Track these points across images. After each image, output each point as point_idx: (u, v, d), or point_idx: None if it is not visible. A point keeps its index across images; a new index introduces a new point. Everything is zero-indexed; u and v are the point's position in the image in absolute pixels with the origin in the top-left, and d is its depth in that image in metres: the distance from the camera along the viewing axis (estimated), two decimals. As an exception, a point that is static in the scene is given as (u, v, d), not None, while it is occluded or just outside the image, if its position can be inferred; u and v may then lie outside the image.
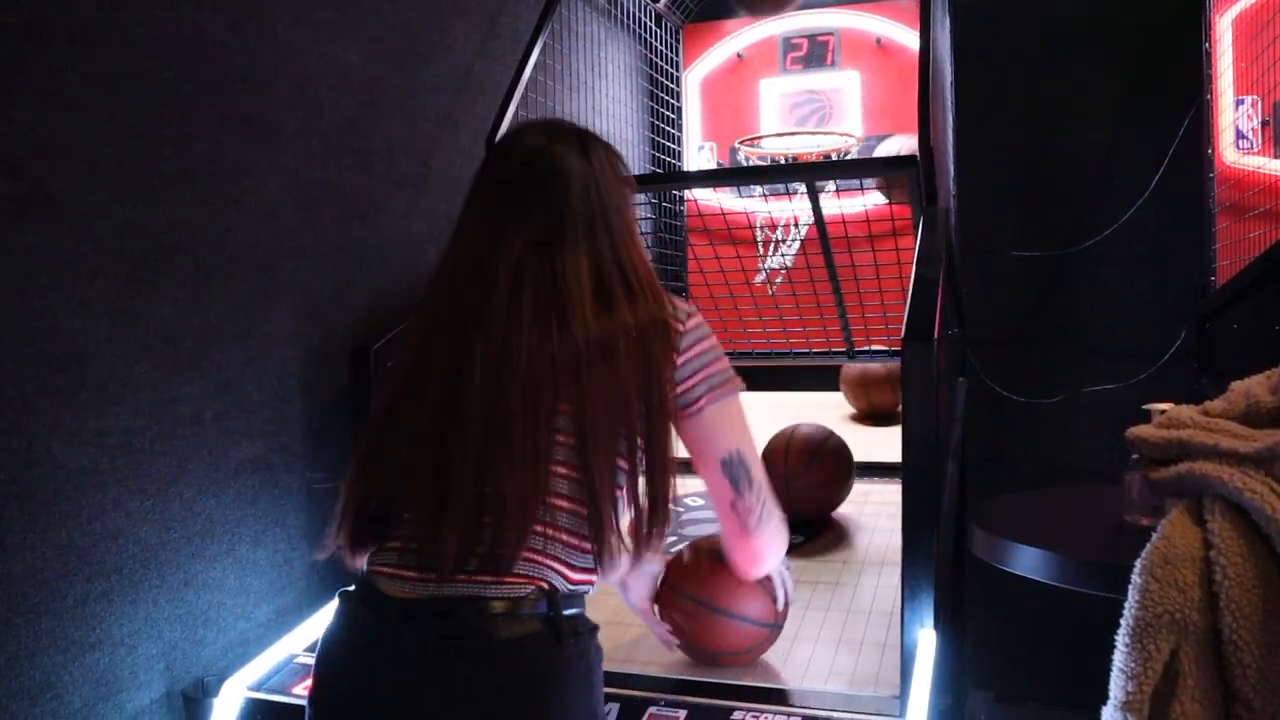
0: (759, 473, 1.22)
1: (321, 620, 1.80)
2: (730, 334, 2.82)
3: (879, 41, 3.44)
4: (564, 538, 1.09)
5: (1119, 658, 1.16)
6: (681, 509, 2.40)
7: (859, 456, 2.63)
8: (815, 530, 2.26)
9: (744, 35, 3.61)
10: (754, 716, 1.44)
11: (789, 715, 1.44)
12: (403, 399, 1.14)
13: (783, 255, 3.15)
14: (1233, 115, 2.74)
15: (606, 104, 3.14)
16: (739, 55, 3.61)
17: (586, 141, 1.20)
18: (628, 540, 1.14)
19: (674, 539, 2.23)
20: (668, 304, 1.15)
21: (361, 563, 1.15)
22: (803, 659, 1.67)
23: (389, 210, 2.20)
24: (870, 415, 3.05)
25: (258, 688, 1.63)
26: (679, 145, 3.64)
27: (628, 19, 3.29)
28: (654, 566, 1.54)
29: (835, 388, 3.30)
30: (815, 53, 3.51)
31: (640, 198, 3.03)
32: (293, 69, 1.91)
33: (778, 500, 1.26)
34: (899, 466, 1.57)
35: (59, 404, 1.45)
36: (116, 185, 1.54)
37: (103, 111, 1.52)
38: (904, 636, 1.53)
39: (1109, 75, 3.26)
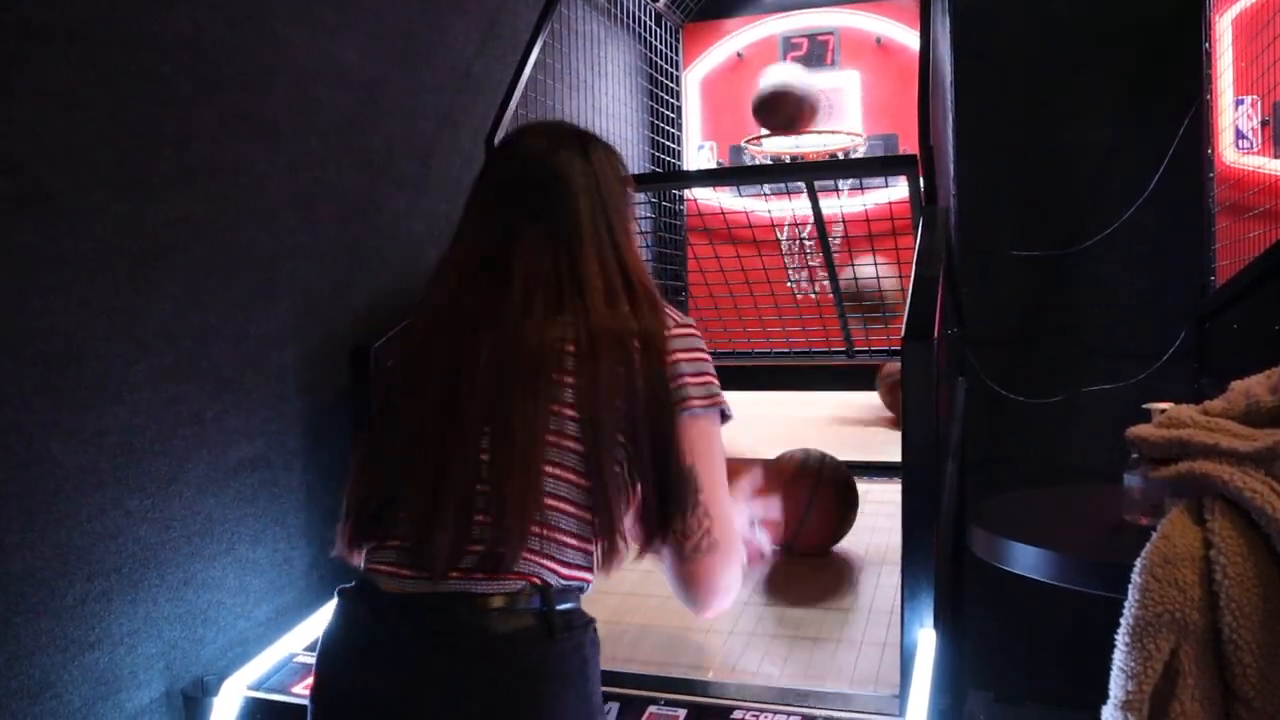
0: (710, 498, 1.12)
1: (321, 619, 1.81)
2: (730, 333, 2.82)
3: (879, 41, 3.44)
4: (559, 537, 1.09)
5: (1119, 657, 1.16)
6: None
7: (858, 456, 2.63)
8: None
9: (744, 35, 3.61)
10: (754, 716, 1.44)
11: (789, 714, 1.44)
12: (404, 398, 1.15)
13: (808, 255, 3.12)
14: (1232, 115, 2.74)
15: (606, 103, 3.14)
16: (739, 54, 3.61)
17: (587, 143, 1.21)
18: (628, 537, 1.14)
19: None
20: (662, 312, 1.15)
21: (360, 560, 1.15)
22: (802, 658, 1.67)
23: (388, 210, 2.20)
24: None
25: (257, 687, 1.63)
26: (679, 145, 3.64)
27: (627, 18, 3.29)
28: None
29: (834, 387, 3.30)
30: (815, 52, 3.51)
31: (640, 197, 3.03)
32: (292, 68, 1.91)
33: (738, 549, 1.18)
34: (899, 466, 1.57)
35: (58, 403, 1.45)
36: (115, 184, 1.54)
37: (101, 110, 1.52)
38: (904, 636, 1.53)
39: (1109, 75, 3.26)
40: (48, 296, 1.43)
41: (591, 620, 1.13)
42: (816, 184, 2.32)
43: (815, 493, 2.04)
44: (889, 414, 2.98)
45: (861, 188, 2.97)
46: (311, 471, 1.95)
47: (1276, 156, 2.58)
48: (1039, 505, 1.72)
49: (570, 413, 1.08)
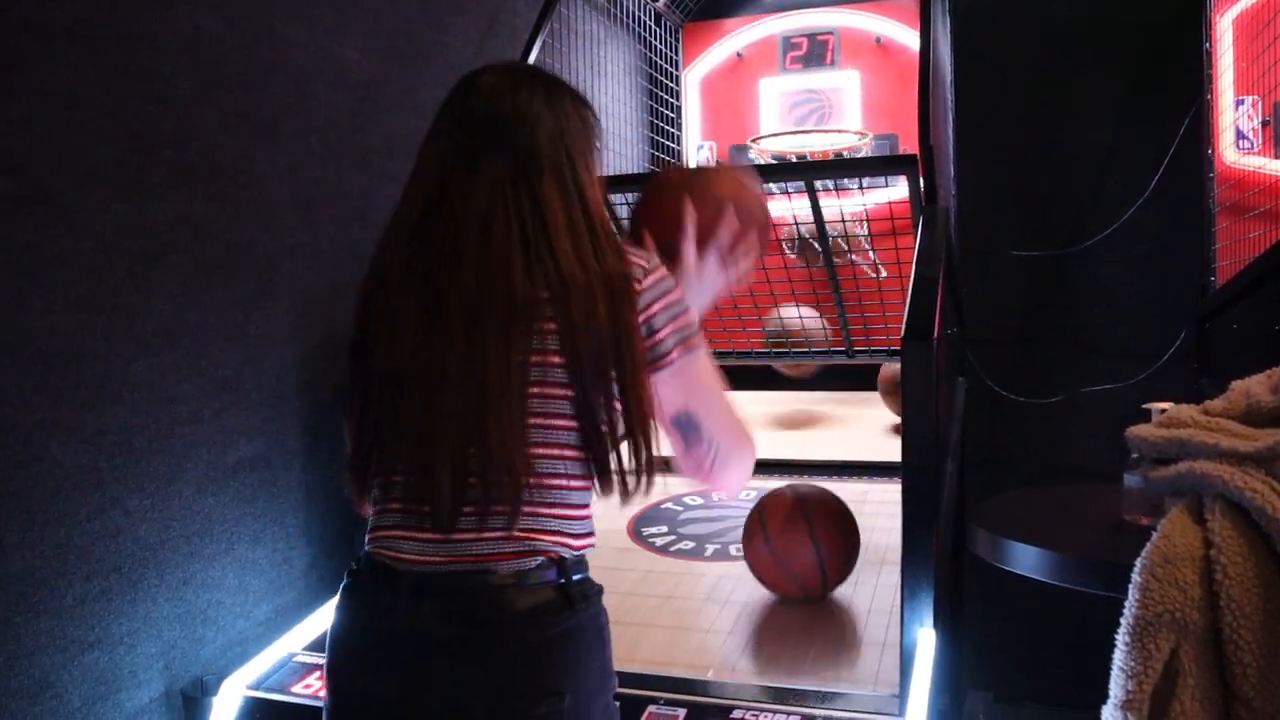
0: (712, 426, 1.18)
1: (321, 619, 1.81)
2: (729, 333, 2.82)
3: (879, 41, 3.44)
4: (560, 511, 1.09)
5: (1119, 656, 1.16)
6: (681, 508, 2.40)
7: (858, 455, 2.63)
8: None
9: (744, 34, 3.60)
10: (753, 715, 1.44)
11: (788, 714, 1.44)
12: (382, 355, 1.11)
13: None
14: (1233, 115, 2.74)
15: (606, 103, 3.14)
16: (739, 54, 3.61)
17: (551, 83, 1.18)
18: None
19: (672, 537, 2.23)
20: (627, 258, 1.13)
21: (369, 510, 1.15)
22: (802, 658, 1.67)
23: (388, 209, 2.16)
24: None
25: (257, 686, 1.63)
26: (678, 144, 3.64)
27: (627, 18, 3.29)
28: None
29: (833, 387, 3.30)
30: (815, 52, 3.51)
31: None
32: (291, 67, 1.91)
33: (745, 443, 1.23)
34: (898, 466, 1.57)
35: (57, 402, 1.45)
36: (115, 183, 1.54)
37: (101, 109, 1.51)
38: (903, 636, 1.53)
39: (1109, 75, 3.26)
40: (47, 296, 1.43)
41: (602, 589, 1.14)
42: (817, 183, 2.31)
43: (817, 537, 1.88)
44: (891, 415, 2.98)
45: (861, 187, 2.97)
46: (311, 471, 1.95)
47: (1277, 157, 2.58)
48: (1039, 505, 1.72)
49: (555, 359, 1.06)
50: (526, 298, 1.06)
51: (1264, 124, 2.64)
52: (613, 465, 1.10)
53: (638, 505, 2.39)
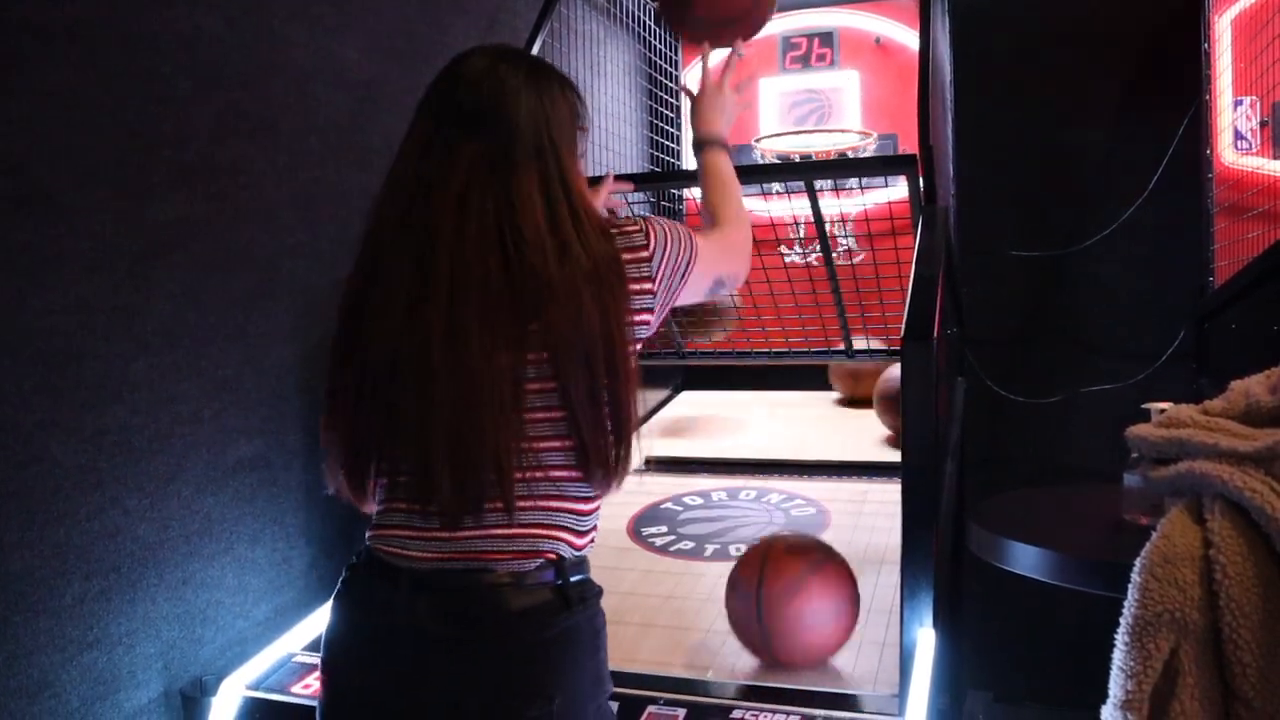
0: (730, 268, 1.35)
1: (320, 619, 1.81)
2: (729, 332, 2.82)
3: (878, 41, 3.44)
4: (563, 505, 1.09)
5: (1119, 656, 1.16)
6: (680, 508, 2.40)
7: (858, 455, 2.63)
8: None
9: (743, 34, 3.60)
10: (753, 715, 1.44)
11: (788, 714, 1.44)
12: (378, 336, 1.09)
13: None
14: (1231, 116, 2.74)
15: (605, 102, 3.14)
16: (738, 54, 3.60)
17: (536, 66, 1.18)
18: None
19: (672, 537, 2.23)
20: (618, 232, 1.13)
21: (370, 506, 1.15)
22: (802, 658, 1.67)
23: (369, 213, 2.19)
24: (855, 401, 3.16)
25: (256, 686, 1.63)
26: (678, 144, 3.64)
27: (627, 17, 3.29)
28: None
29: (832, 386, 3.31)
30: (814, 52, 3.51)
31: (639, 196, 3.03)
32: (291, 67, 1.91)
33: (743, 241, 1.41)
34: (898, 466, 1.57)
35: (57, 402, 1.45)
36: (114, 182, 1.54)
37: (101, 109, 1.51)
38: (903, 635, 1.53)
39: (1108, 75, 3.26)
40: (47, 295, 1.43)
41: (601, 591, 1.14)
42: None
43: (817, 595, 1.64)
44: (889, 415, 2.97)
45: (861, 187, 2.97)
46: (310, 471, 1.95)
47: (1275, 157, 2.58)
48: (1039, 505, 1.72)
49: (537, 356, 1.06)
50: (506, 287, 1.05)
51: (1262, 124, 2.64)
52: (606, 458, 1.09)
53: (638, 505, 2.39)
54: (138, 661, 1.59)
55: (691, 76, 3.64)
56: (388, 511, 1.12)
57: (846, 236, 2.80)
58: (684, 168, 3.61)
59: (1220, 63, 2.77)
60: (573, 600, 1.08)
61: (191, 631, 1.69)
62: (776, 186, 3.01)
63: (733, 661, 1.67)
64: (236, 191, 1.77)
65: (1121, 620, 1.17)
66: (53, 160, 1.44)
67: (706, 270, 1.26)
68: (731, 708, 1.47)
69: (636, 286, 1.14)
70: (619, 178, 1.71)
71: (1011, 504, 1.70)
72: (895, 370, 2.73)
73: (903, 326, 1.61)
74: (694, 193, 3.29)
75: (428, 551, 1.08)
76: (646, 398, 3.30)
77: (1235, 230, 2.63)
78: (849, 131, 3.25)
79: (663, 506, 2.41)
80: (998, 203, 3.30)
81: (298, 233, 1.92)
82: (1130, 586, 1.18)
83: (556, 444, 1.08)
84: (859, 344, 2.66)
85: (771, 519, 2.35)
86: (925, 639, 1.50)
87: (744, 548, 2.12)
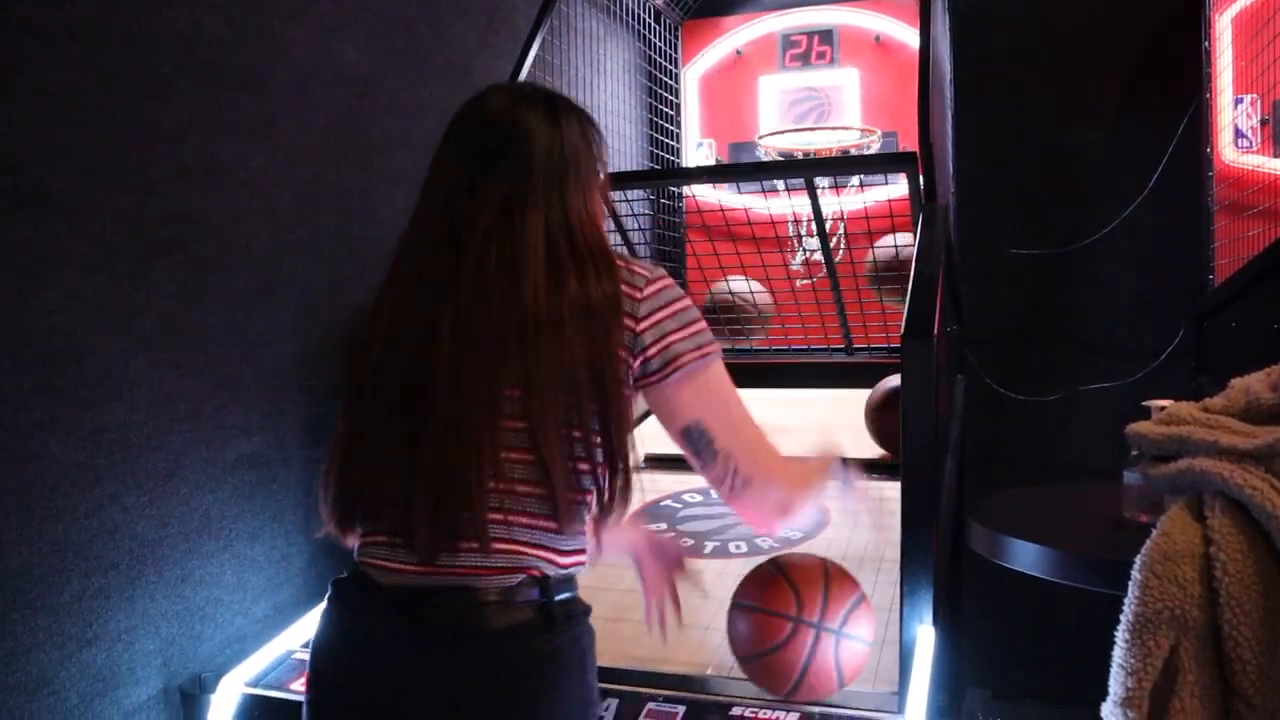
0: (728, 442, 1.13)
1: (318, 617, 1.81)
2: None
3: (878, 39, 3.44)
4: (546, 524, 1.08)
5: (1119, 654, 1.15)
6: (680, 505, 2.40)
7: (857, 453, 2.62)
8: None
9: (743, 32, 3.60)
10: (753, 713, 1.44)
11: (787, 711, 1.44)
12: (374, 380, 1.12)
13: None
14: (1232, 114, 2.74)
15: (605, 100, 3.14)
16: (738, 52, 3.61)
17: (554, 103, 1.18)
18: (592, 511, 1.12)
19: (671, 535, 2.23)
20: (621, 273, 1.12)
21: (354, 541, 1.15)
22: (801, 656, 1.67)
23: (387, 206, 2.19)
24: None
25: (255, 684, 1.63)
26: (678, 142, 3.64)
27: (627, 15, 3.29)
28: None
29: (834, 385, 3.30)
30: (814, 49, 3.51)
31: (639, 194, 3.03)
32: (290, 64, 1.91)
33: (777, 468, 1.17)
34: (898, 464, 1.57)
35: (56, 399, 1.45)
36: (114, 181, 1.54)
37: (101, 108, 1.51)
38: (902, 633, 1.53)
39: (1108, 73, 3.26)
40: (46, 292, 1.43)
41: (588, 609, 1.13)
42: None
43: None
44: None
45: (861, 185, 2.97)
46: (310, 468, 1.94)
47: (1275, 155, 2.58)
48: (1039, 502, 1.72)
49: (514, 392, 1.06)
50: (504, 327, 1.06)
51: (1263, 122, 2.64)
52: (566, 498, 1.06)
53: (637, 503, 2.39)
54: (137, 658, 1.59)
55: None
56: (371, 544, 1.12)
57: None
58: (683, 165, 3.62)
59: (1220, 61, 2.77)
60: (558, 619, 1.06)
61: (190, 628, 1.69)
62: (778, 184, 3.01)
63: (732, 659, 1.67)
64: (236, 189, 1.77)
65: (1121, 617, 1.17)
66: (52, 159, 1.44)
67: (699, 395, 1.12)
68: (731, 704, 1.47)
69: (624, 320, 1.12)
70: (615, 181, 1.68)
71: (1011, 502, 1.70)
72: (885, 382, 2.57)
73: (903, 324, 1.61)
74: (693, 190, 3.30)
75: (409, 566, 1.07)
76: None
77: (1235, 228, 2.63)
78: (851, 129, 3.25)
79: (662, 504, 2.41)
80: (997, 201, 3.30)
81: (297, 230, 1.92)
82: (1130, 584, 1.17)
83: (533, 489, 1.07)
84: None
85: (771, 517, 2.34)
86: (925, 636, 1.50)
87: (744, 545, 2.12)
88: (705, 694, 1.51)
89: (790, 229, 3.07)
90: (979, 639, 2.88)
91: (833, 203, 2.97)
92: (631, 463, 1.11)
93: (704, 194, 3.32)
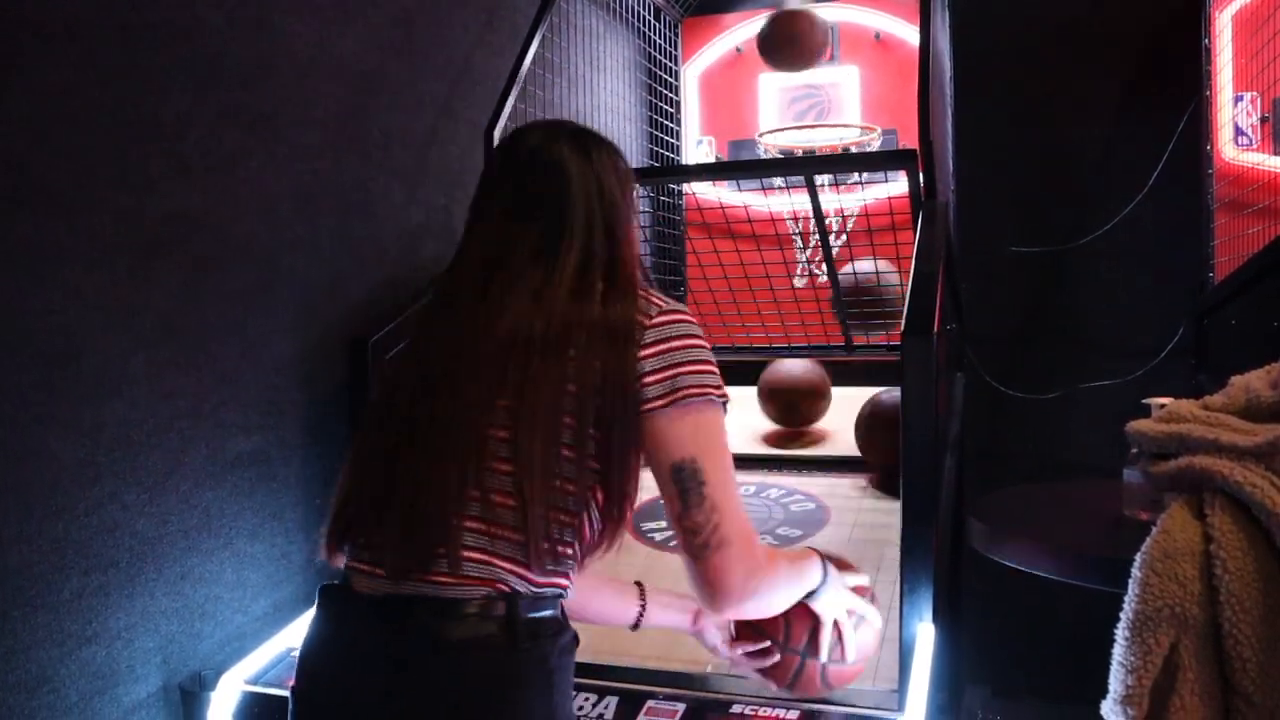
0: (718, 493, 1.07)
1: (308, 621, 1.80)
2: (729, 328, 2.82)
3: (878, 36, 3.43)
4: (514, 537, 1.06)
5: (1119, 651, 1.16)
6: (679, 503, 2.40)
7: (856, 451, 2.63)
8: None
9: (743, 29, 3.60)
10: (753, 710, 1.44)
11: (787, 709, 1.44)
12: (386, 401, 1.15)
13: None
14: (1232, 111, 2.74)
15: (605, 98, 3.14)
16: (738, 49, 3.60)
17: (587, 141, 1.19)
18: (575, 542, 1.11)
19: (672, 533, 2.23)
20: (640, 301, 1.11)
21: (340, 561, 1.15)
22: (801, 653, 1.67)
23: (386, 202, 2.19)
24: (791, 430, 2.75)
25: (255, 681, 1.63)
26: (677, 139, 3.63)
27: (626, 13, 3.28)
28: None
29: (832, 383, 3.30)
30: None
31: (638, 192, 3.03)
32: (289, 59, 1.90)
33: (753, 545, 1.09)
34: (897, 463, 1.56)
35: (55, 397, 1.44)
36: (113, 177, 1.53)
37: (99, 103, 1.51)
38: (902, 630, 1.53)
39: (1108, 71, 3.26)
40: (46, 291, 1.43)
41: (565, 630, 1.09)
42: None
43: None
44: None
45: (861, 183, 2.96)
46: (310, 466, 1.94)
47: (1275, 153, 2.58)
48: (1038, 500, 1.72)
49: (504, 404, 1.05)
50: (503, 344, 1.07)
51: (1263, 120, 2.64)
52: (538, 514, 1.04)
53: (637, 501, 2.39)
54: (136, 656, 1.58)
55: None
56: (355, 550, 1.13)
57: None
58: (683, 162, 3.61)
59: (1220, 59, 2.77)
60: (521, 636, 1.03)
61: (190, 626, 1.69)
62: (777, 181, 3.01)
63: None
64: (235, 186, 1.77)
65: (1122, 615, 1.17)
66: (52, 156, 1.44)
67: (695, 433, 1.07)
68: (731, 702, 1.47)
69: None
70: None
71: (1011, 500, 1.70)
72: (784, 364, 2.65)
73: (902, 322, 1.60)
74: (693, 188, 3.29)
75: (382, 587, 1.07)
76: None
77: (1235, 226, 2.63)
78: (851, 126, 3.25)
79: (662, 502, 2.40)
80: (997, 199, 3.30)
81: (297, 227, 1.92)
82: (1130, 582, 1.18)
83: (508, 502, 1.06)
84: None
85: (771, 514, 2.35)
86: (925, 634, 1.50)
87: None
88: (706, 691, 1.51)
89: (792, 227, 3.06)
90: (979, 637, 2.88)
91: (833, 200, 2.97)
92: (631, 494, 1.10)
93: (704, 191, 3.31)
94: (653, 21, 3.47)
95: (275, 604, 1.88)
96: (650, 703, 1.47)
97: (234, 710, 1.59)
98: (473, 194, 1.21)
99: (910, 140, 2.17)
